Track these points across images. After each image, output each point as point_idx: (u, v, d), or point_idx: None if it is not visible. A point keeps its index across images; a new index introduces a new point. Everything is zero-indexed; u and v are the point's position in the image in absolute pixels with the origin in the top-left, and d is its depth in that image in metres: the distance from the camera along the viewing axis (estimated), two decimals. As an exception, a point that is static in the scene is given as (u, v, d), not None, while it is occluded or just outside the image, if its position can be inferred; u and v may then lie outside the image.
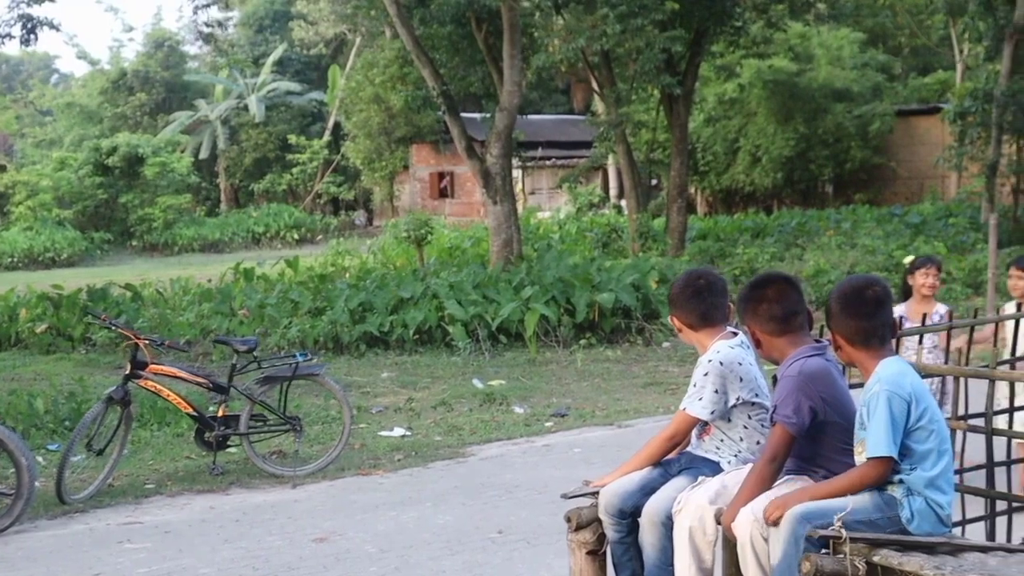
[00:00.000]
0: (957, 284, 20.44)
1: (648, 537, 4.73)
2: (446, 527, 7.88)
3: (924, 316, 6.84)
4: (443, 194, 49.34)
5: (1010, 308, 7.69)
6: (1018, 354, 5.77)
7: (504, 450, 10.41)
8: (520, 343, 16.68)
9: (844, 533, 3.93)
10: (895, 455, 4.09)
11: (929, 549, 3.94)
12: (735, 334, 4.97)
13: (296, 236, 46.88)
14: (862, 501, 4.15)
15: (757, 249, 23.48)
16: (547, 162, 45.53)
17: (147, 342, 9.40)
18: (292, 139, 52.20)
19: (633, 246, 24.77)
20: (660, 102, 26.09)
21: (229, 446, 9.79)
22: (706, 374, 4.83)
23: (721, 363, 4.81)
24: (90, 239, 44.27)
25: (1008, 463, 5.32)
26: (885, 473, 4.12)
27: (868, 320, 4.25)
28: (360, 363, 15.99)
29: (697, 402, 4.84)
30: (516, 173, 44.10)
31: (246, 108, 53.68)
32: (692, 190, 39.12)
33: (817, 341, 4.64)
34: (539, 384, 13.95)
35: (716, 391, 4.80)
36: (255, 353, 9.87)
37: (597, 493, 4.94)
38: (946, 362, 6.66)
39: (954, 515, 4.33)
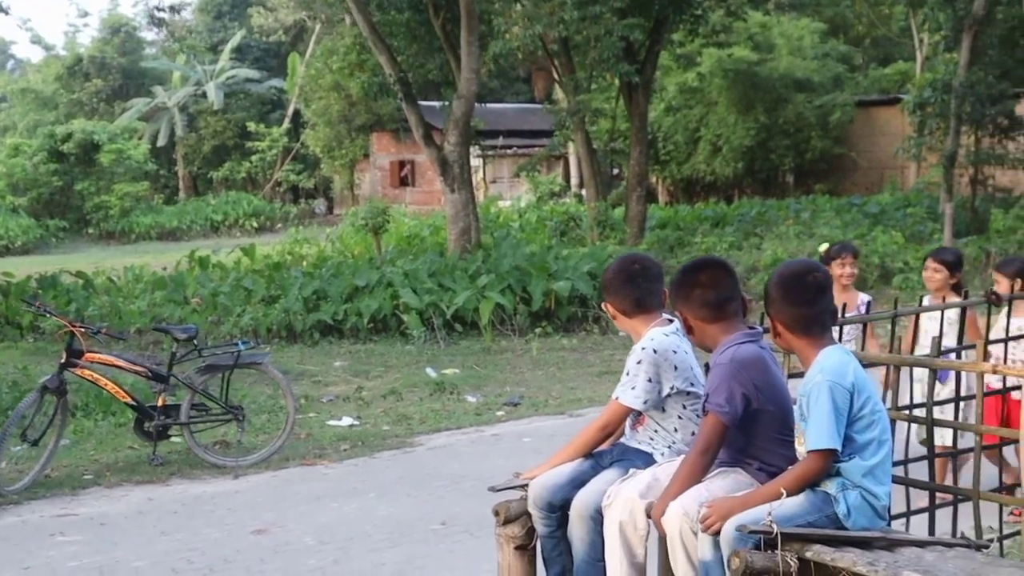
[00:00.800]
0: (914, 274, 20.44)
1: (577, 531, 4.56)
2: (389, 518, 7.71)
3: (844, 306, 6.72)
4: (404, 182, 49.07)
5: (926, 302, 7.60)
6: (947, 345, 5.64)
7: (453, 440, 10.25)
8: (475, 332, 16.54)
9: (775, 528, 3.77)
10: (838, 447, 3.93)
11: (865, 544, 3.80)
12: (671, 321, 4.79)
13: (255, 224, 46.46)
14: (796, 503, 3.98)
15: (716, 238, 23.41)
16: (508, 151, 45.31)
17: (83, 330, 9.16)
18: (251, 127, 51.77)
19: (591, 235, 24.63)
20: (620, 91, 25.93)
21: (170, 436, 9.55)
22: (639, 362, 4.65)
23: (655, 351, 4.64)
24: (45, 227, 43.72)
25: (952, 454, 5.15)
26: (827, 466, 3.97)
27: (809, 307, 4.10)
28: (313, 352, 15.79)
29: (630, 391, 4.66)
30: (477, 162, 43.94)
31: (204, 95, 53.21)
32: (653, 179, 39.04)
33: (751, 328, 4.47)
34: (493, 373, 13.81)
35: (650, 380, 4.63)
36: (196, 341, 9.66)
37: (527, 486, 4.78)
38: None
39: (899, 508, 4.18)
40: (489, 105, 45.40)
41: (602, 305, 5.06)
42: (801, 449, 4.06)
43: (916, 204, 28.88)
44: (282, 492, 8.51)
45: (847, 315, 6.55)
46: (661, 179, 40.36)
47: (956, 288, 7.28)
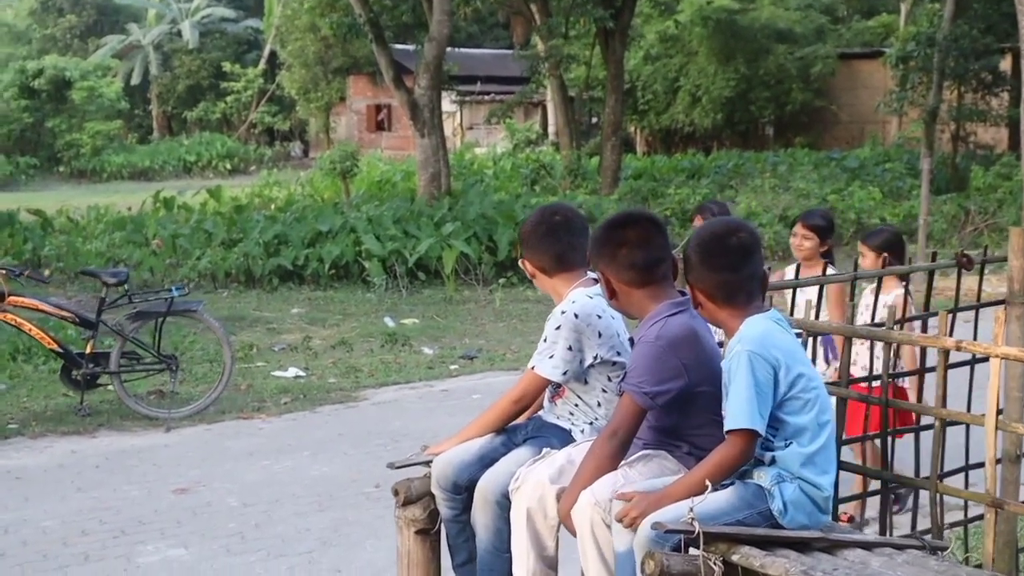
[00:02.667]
0: (891, 230, 20.09)
1: (480, 517, 4.05)
2: (320, 479, 7.31)
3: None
4: (380, 127, 48.54)
5: (790, 272, 6.86)
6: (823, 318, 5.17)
7: (400, 395, 9.84)
8: (439, 281, 16.16)
9: (697, 527, 3.24)
10: (760, 428, 3.36)
11: (802, 546, 3.32)
12: (596, 281, 4.22)
13: (229, 166, 45.79)
14: (723, 497, 3.47)
15: (689, 190, 22.97)
16: (486, 97, 44.64)
17: (3, 272, 8.70)
18: (227, 67, 50.97)
19: (563, 184, 24.19)
20: (596, 37, 25.39)
21: (99, 385, 9.11)
22: (558, 327, 4.09)
23: (576, 315, 4.08)
24: (15, 164, 42.90)
25: (890, 433, 4.56)
26: (749, 450, 3.42)
27: (731, 272, 3.54)
28: (271, 298, 15.40)
29: (548, 360, 4.10)
30: (454, 108, 43.39)
31: (179, 34, 52.41)
32: (631, 129, 38.58)
33: (682, 293, 3.86)
34: (454, 324, 13.42)
35: (570, 348, 4.07)
36: (126, 287, 9.21)
37: (431, 462, 4.26)
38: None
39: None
40: (466, 50, 44.78)
41: (519, 261, 4.44)
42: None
43: (895, 160, 28.52)
44: (212, 447, 8.10)
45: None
46: (639, 129, 39.87)
47: (827, 256, 6.63)
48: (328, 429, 8.60)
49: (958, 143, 27.97)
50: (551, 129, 40.92)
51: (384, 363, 11.02)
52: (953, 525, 4.90)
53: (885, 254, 5.86)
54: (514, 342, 12.32)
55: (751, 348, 3.40)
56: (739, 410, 3.37)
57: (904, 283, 6.26)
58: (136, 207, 23.23)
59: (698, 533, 3.25)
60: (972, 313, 5.17)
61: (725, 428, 3.43)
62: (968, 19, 26.55)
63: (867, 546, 3.37)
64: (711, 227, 3.71)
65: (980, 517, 5.20)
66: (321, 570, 5.83)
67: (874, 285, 6.20)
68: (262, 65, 52.23)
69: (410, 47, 30.11)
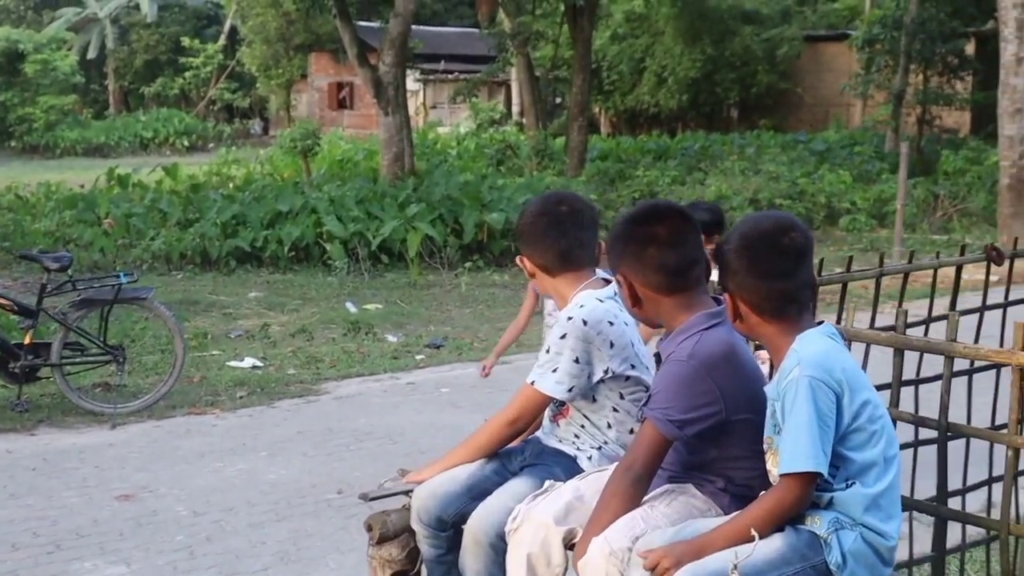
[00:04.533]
0: (861, 215, 19.82)
1: (471, 561, 3.46)
2: (278, 483, 6.76)
3: None
4: (342, 105, 48.00)
5: None
6: None
7: (364, 388, 9.28)
8: (402, 264, 15.65)
9: None
10: (824, 469, 2.85)
11: None
12: (606, 282, 3.68)
13: (187, 143, 45.05)
14: (771, 547, 2.91)
15: (658, 172, 22.58)
16: (450, 76, 44.03)
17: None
18: (186, 42, 50.22)
19: (529, 165, 23.71)
20: (564, 15, 24.86)
21: (40, 378, 8.49)
22: (564, 336, 3.53)
23: (585, 322, 3.52)
24: (-35, 138, 42.03)
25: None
26: (807, 495, 2.88)
27: (784, 279, 2.97)
28: (228, 281, 14.82)
29: (551, 375, 3.54)
30: (417, 86, 42.79)
31: (137, 7, 51.44)
32: (596, 110, 38.17)
33: (716, 300, 3.30)
34: (418, 309, 12.89)
35: (577, 360, 3.51)
36: (70, 272, 8.62)
37: (411, 492, 3.67)
38: None
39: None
40: (431, 28, 44.20)
41: (517, 259, 3.84)
42: (775, 471, 2.97)
43: (863, 143, 28.31)
44: (161, 447, 7.52)
45: None
46: (604, 110, 39.50)
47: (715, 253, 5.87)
48: (286, 426, 8.05)
49: (923, 127, 27.74)
50: (515, 109, 40.43)
51: (346, 352, 10.48)
52: (951, 552, 4.44)
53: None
54: (481, 329, 11.82)
55: (812, 373, 2.85)
56: (798, 449, 2.83)
57: None
58: (89, 184, 22.55)
59: None
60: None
61: (781, 470, 2.87)
62: (934, 3, 26.39)
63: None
64: (758, 225, 3.09)
65: (980, 543, 4.78)
66: (278, 589, 5.31)
67: None
68: (222, 41, 51.51)
69: (374, 24, 29.55)
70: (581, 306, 3.58)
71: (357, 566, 5.45)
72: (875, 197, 20.72)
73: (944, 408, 3.55)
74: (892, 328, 3.82)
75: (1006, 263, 4.79)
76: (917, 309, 5.06)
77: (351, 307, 12.85)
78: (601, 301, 3.59)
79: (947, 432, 3.56)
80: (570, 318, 3.55)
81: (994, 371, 4.33)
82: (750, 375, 3.21)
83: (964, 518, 3.72)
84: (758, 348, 3.74)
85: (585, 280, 3.69)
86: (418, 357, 10.45)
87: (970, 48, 30.22)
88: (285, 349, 10.66)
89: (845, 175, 22.29)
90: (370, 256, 15.62)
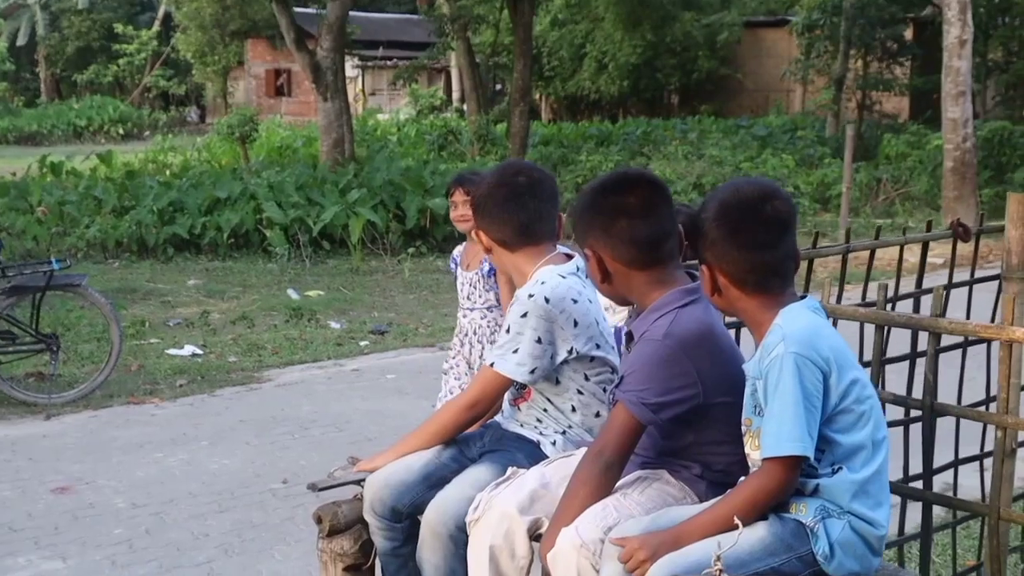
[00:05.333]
0: (805, 199, 19.80)
1: (428, 554, 3.24)
2: (220, 474, 6.53)
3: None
4: (280, 92, 47.49)
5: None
6: None
7: (307, 375, 9.06)
8: (344, 250, 15.39)
9: None
10: (810, 452, 2.64)
11: None
12: (568, 257, 3.48)
13: (122, 131, 44.20)
14: (754, 537, 2.66)
15: (601, 156, 22.44)
16: (389, 63, 43.69)
17: None
18: (119, 28, 49.42)
19: (472, 149, 23.52)
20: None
21: (-30, 368, 8.19)
22: (524, 315, 3.31)
23: (547, 299, 3.30)
24: None
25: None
26: (792, 480, 2.67)
27: (768, 251, 2.76)
28: (166, 268, 14.49)
29: (511, 356, 3.32)
30: (356, 73, 42.39)
31: (69, -7, 50.51)
32: (537, 96, 38.04)
33: (690, 275, 3.08)
34: (361, 296, 12.67)
35: (539, 340, 3.30)
36: (1, 259, 8.32)
37: (363, 482, 3.44)
38: None
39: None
40: (369, 14, 43.78)
41: (473, 232, 3.61)
42: (755, 455, 2.74)
43: (804, 127, 28.39)
44: (98, 438, 7.25)
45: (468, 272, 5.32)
46: (545, 96, 39.40)
47: None
48: (228, 415, 7.80)
49: (863, 112, 27.87)
50: (455, 96, 40.20)
51: (289, 339, 10.24)
52: (940, 528, 4.34)
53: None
54: (426, 315, 11.63)
55: (797, 350, 2.64)
56: (783, 431, 2.62)
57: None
58: (21, 172, 22.03)
59: None
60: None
61: (764, 454, 2.66)
62: (874, -12, 26.49)
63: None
64: (738, 192, 2.85)
65: (961, 522, 4.67)
66: (222, 583, 5.09)
67: None
68: (156, 27, 50.79)
69: (311, 10, 29.16)
70: (542, 282, 3.36)
71: (305, 557, 5.26)
72: (818, 181, 20.74)
73: (929, 387, 3.39)
74: (871, 304, 3.66)
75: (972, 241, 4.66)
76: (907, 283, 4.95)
77: (293, 294, 12.61)
78: (564, 277, 3.38)
79: (932, 412, 3.40)
80: (531, 295, 3.34)
81: (960, 350, 4.22)
82: (729, 356, 3.02)
83: (950, 503, 3.56)
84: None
85: (546, 255, 3.47)
86: (362, 343, 10.23)
87: (909, 34, 30.43)
88: (226, 337, 10.40)
89: (788, 159, 22.32)
90: (311, 242, 15.36)
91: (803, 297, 2.81)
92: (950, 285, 4.30)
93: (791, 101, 36.89)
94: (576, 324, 3.33)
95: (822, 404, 2.66)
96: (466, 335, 5.43)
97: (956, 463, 4.16)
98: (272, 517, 5.82)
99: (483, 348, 5.40)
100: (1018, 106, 28.40)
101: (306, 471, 6.44)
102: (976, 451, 4.30)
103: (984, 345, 4.06)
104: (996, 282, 4.33)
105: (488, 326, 5.42)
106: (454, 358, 5.51)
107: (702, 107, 36.53)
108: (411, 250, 15.30)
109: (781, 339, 2.68)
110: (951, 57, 17.04)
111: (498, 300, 5.41)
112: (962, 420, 3.65)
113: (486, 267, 5.36)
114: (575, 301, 3.34)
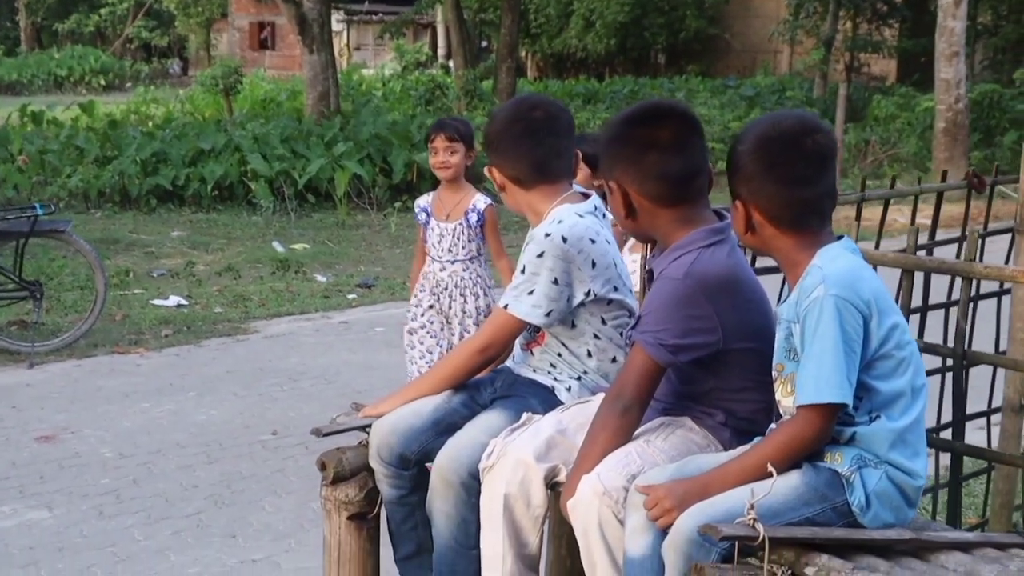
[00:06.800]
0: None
1: (439, 503, 3.12)
2: (208, 425, 6.41)
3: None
4: (264, 45, 47.07)
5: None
6: None
7: (295, 327, 8.94)
8: (330, 204, 15.24)
9: (761, 530, 2.37)
10: (849, 399, 2.50)
11: (885, 549, 2.48)
12: (585, 196, 3.32)
13: (103, 82, 43.69)
14: (788, 486, 2.55)
15: (589, 114, 22.33)
16: (374, 17, 43.30)
17: None
18: (100, -23, 48.72)
19: (458, 104, 23.32)
20: (493, -47, 24.43)
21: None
22: (541, 255, 3.16)
23: (565, 239, 3.14)
24: None
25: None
26: (828, 428, 2.53)
27: (808, 187, 2.59)
28: (149, 220, 14.32)
29: (526, 297, 3.18)
30: (341, 27, 41.99)
31: (49, -60, 49.83)
32: (523, 54, 37.73)
33: (719, 216, 2.92)
34: (347, 250, 12.54)
35: (555, 281, 3.15)
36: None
37: (369, 427, 3.30)
38: None
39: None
40: (355, -33, 43.27)
41: (485, 170, 3.43)
42: (787, 401, 2.61)
43: (792, 88, 28.26)
44: (83, 387, 7.13)
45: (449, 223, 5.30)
46: (531, 53, 39.08)
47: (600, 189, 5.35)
48: (215, 366, 7.69)
49: (851, 74, 27.74)
50: (441, 52, 39.87)
51: (275, 291, 10.10)
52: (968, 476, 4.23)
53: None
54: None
55: (838, 292, 2.49)
56: (821, 377, 2.48)
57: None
58: (0, 122, 21.76)
59: (762, 538, 2.38)
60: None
61: (800, 400, 2.53)
62: (865, -53, 26.34)
63: (965, 547, 2.55)
64: (778, 124, 2.67)
65: (976, 475, 4.59)
66: (212, 535, 4.96)
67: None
68: (139, -25, 50.08)
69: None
70: (559, 221, 3.20)
71: (296, 509, 5.17)
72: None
73: (961, 334, 3.29)
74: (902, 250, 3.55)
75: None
76: (894, 243, 4.86)
77: (278, 247, 12.47)
78: (581, 216, 3.22)
79: (964, 361, 3.31)
80: (548, 235, 3.18)
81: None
82: (753, 301, 2.88)
83: (982, 454, 3.47)
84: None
85: (562, 193, 3.31)
86: (350, 296, 10.12)
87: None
88: (211, 288, 10.26)
89: (776, 120, 22.20)
90: (296, 195, 15.20)
91: (839, 238, 2.68)
92: (961, 238, 4.20)
93: (778, 62, 36.73)
94: (594, 265, 3.19)
95: (862, 350, 2.53)
96: (444, 288, 5.33)
97: (989, 412, 4.08)
98: (262, 468, 5.72)
99: (465, 301, 5.29)
100: (1006, 70, 28.28)
101: (296, 423, 6.34)
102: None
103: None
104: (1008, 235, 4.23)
105: (471, 278, 5.33)
106: (423, 315, 5.39)
107: (689, 67, 36.32)
108: (397, 204, 15.14)
109: (821, 281, 2.54)
110: (946, 17, 16.90)
111: (479, 251, 5.34)
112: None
113: (473, 217, 5.28)
114: (593, 241, 3.20)
